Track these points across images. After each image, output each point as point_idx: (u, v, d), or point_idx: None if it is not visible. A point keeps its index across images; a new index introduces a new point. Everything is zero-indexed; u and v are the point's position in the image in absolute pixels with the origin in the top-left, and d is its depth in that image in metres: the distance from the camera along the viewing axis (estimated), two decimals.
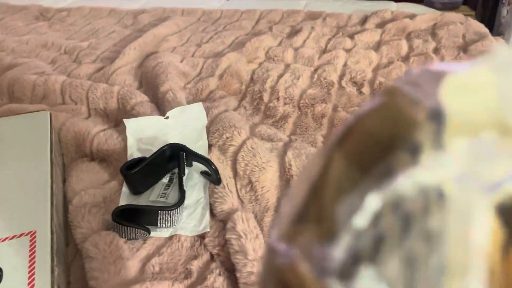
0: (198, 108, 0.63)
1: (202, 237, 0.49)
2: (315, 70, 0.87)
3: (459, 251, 0.12)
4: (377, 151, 0.14)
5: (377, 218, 0.12)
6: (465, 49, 0.92)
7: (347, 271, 0.12)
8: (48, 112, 0.57)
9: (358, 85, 0.81)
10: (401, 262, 0.12)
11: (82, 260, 0.46)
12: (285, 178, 0.54)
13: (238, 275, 0.44)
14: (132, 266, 0.44)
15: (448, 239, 0.12)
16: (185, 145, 0.54)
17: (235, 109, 0.76)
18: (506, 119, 0.13)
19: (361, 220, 0.12)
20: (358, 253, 0.12)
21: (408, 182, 0.12)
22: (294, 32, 1.09)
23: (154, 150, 0.55)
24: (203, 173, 0.54)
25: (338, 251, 0.12)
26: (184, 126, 0.60)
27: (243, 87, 0.84)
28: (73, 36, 1.10)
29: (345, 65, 0.89)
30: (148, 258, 0.46)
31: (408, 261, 0.12)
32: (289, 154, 0.56)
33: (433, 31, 1.02)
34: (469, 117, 0.13)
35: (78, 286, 0.44)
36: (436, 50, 0.93)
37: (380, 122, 0.14)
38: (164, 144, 0.54)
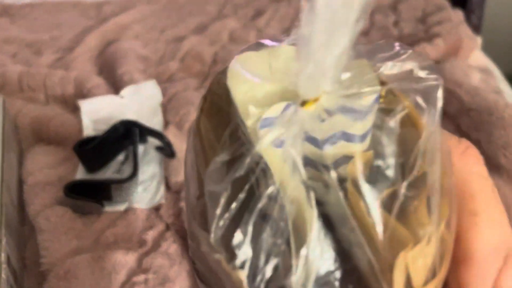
0: (152, 86, 0.63)
1: (157, 209, 0.50)
2: None
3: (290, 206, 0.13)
4: (222, 117, 0.15)
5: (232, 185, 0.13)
6: (423, 20, 0.93)
7: (224, 236, 0.13)
8: (1, 97, 0.57)
9: None
10: (254, 218, 0.13)
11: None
12: None
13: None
14: (86, 237, 0.45)
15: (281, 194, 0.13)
16: (137, 121, 0.54)
17: (196, 90, 0.76)
18: (295, 89, 0.14)
19: (221, 187, 0.13)
20: (225, 216, 0.13)
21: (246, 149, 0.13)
22: (258, 14, 1.09)
23: None
24: (158, 148, 0.55)
25: (213, 224, 0.13)
26: (140, 104, 0.61)
27: (206, 69, 0.84)
28: (36, 31, 1.09)
29: None
30: (102, 231, 0.47)
31: (260, 216, 0.13)
32: None
33: (394, 5, 1.03)
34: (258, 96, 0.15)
35: (33, 260, 0.44)
36: (395, 23, 0.94)
37: (221, 92, 0.16)
38: (114, 123, 0.54)
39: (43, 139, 0.61)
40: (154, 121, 0.58)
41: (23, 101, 0.66)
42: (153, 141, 0.56)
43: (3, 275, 0.35)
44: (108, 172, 0.53)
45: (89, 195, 0.48)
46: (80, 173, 0.53)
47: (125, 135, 0.55)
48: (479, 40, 0.84)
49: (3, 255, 0.36)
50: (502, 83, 0.74)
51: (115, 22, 1.00)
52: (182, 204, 0.48)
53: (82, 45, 0.88)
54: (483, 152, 0.50)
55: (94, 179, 0.51)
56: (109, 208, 0.49)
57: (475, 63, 0.77)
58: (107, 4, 1.24)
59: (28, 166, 0.54)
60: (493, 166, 0.48)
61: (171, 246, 0.45)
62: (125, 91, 0.62)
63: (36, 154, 0.57)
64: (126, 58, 0.77)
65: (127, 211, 0.49)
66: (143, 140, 0.56)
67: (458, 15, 0.95)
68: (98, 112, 0.59)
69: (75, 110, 0.68)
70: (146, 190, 0.51)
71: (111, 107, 0.60)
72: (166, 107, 0.63)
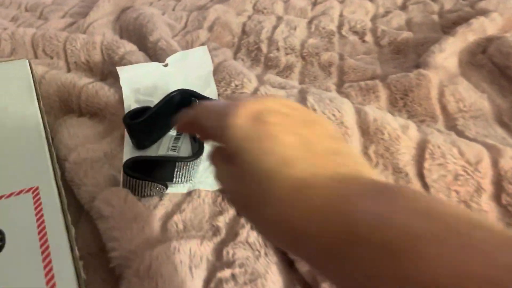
0: (202, 53, 0.56)
1: (224, 191, 0.44)
2: (310, 21, 0.82)
3: None
4: None
5: None
6: None
7: None
8: (26, 60, 0.49)
9: (360, 34, 0.76)
10: None
11: (89, 223, 0.39)
12: None
13: None
14: (153, 225, 0.38)
15: None
16: (196, 91, 0.47)
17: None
18: None
19: None
20: None
21: None
22: None
23: (155, 101, 0.48)
24: None
25: None
26: (187, 73, 0.53)
27: (236, 39, 0.77)
28: None
29: (341, 15, 0.84)
30: (168, 216, 0.40)
31: None
32: (310, 99, 0.51)
33: None
34: None
35: (87, 252, 0.37)
36: None
37: None
38: (170, 92, 0.47)
39: (73, 110, 0.53)
40: (206, 92, 0.51)
41: (45, 67, 0.57)
42: None
43: (83, 274, 0.28)
44: (161, 149, 0.46)
45: (146, 174, 0.41)
46: (128, 150, 0.46)
47: (179, 106, 0.48)
48: None
49: (76, 249, 0.29)
50: None
51: None
52: None
53: (95, 9, 0.78)
54: None
55: (159, 156, 0.44)
56: (170, 190, 0.42)
57: None
58: None
59: (65, 141, 0.46)
60: None
61: (251, 234, 0.39)
62: (170, 59, 0.54)
63: (71, 127, 0.49)
64: (154, 23, 0.68)
65: (190, 193, 0.43)
66: None
67: None
68: (140, 81, 0.51)
69: (104, 78, 0.60)
70: (207, 170, 0.45)
71: (155, 76, 0.52)
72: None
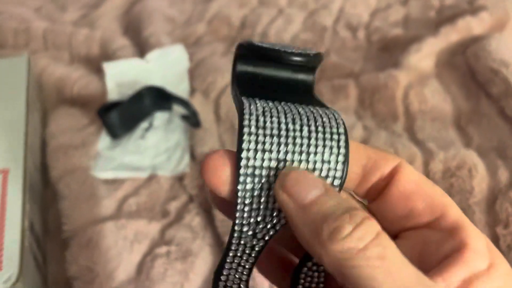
0: (179, 50, 0.61)
1: (181, 179, 0.49)
2: (310, 15, 0.84)
3: None
4: None
5: None
6: None
7: None
8: (26, 56, 0.56)
9: (353, 30, 0.78)
10: None
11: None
12: None
13: (215, 213, 0.43)
14: (108, 205, 0.44)
15: None
16: (163, 87, 0.52)
17: (223, 55, 0.74)
18: None
19: None
20: None
21: None
22: None
23: None
24: (183, 117, 0.53)
25: None
26: (166, 69, 0.58)
27: (233, 33, 0.81)
28: None
29: (341, 9, 0.85)
30: (125, 198, 0.46)
31: None
32: None
33: None
34: None
35: (56, 225, 0.44)
36: None
37: None
38: (140, 88, 0.52)
39: (67, 100, 0.60)
40: (180, 88, 0.56)
41: (48, 60, 0.64)
42: (178, 109, 0.54)
43: (26, 243, 0.34)
44: (132, 139, 0.52)
45: None
46: (103, 138, 0.52)
47: (150, 100, 0.53)
48: None
49: (26, 221, 0.36)
50: None
51: None
52: None
53: (108, 2, 0.85)
54: None
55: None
56: (132, 175, 0.48)
57: None
58: None
59: (51, 128, 0.53)
60: None
61: (194, 219, 0.44)
62: (151, 55, 0.60)
63: (60, 115, 0.56)
64: (152, 19, 0.74)
65: (150, 179, 0.48)
66: (168, 107, 0.54)
67: None
68: (123, 76, 0.57)
69: (99, 71, 0.66)
70: (170, 159, 0.50)
71: (136, 71, 0.58)
72: (192, 73, 0.61)
